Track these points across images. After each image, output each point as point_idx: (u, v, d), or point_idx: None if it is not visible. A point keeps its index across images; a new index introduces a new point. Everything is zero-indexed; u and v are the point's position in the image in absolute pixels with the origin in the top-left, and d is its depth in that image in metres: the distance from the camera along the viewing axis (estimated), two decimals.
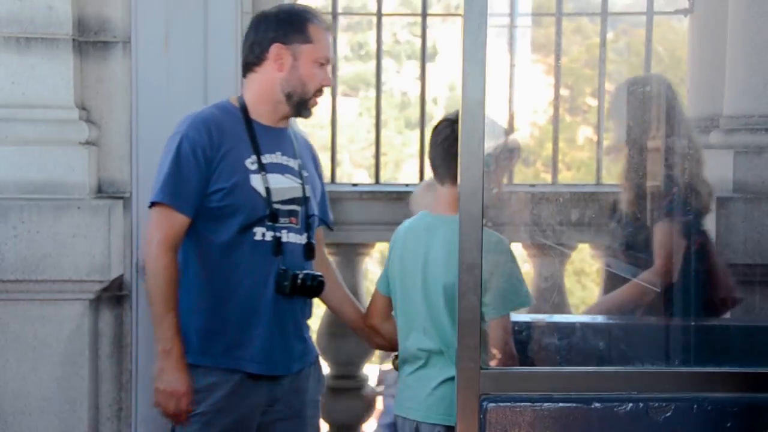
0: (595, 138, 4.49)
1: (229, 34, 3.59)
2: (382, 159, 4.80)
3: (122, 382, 3.24)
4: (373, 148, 4.75)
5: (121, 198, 3.20)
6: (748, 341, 2.78)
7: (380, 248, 5.27)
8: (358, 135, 18.24)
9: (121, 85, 3.21)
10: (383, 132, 4.97)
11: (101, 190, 3.21)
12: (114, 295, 3.21)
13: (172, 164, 2.70)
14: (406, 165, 17.78)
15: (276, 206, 2.75)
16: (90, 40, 3.17)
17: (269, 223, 2.74)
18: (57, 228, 2.96)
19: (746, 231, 3.37)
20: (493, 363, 2.48)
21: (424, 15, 4.58)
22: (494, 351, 2.58)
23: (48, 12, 3.07)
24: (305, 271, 2.77)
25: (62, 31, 3.08)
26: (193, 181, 2.70)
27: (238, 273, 2.74)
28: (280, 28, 2.79)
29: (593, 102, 4.67)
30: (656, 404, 2.04)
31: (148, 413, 3.30)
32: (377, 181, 4.62)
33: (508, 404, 2.05)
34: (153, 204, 2.71)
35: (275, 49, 2.79)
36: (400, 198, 4.31)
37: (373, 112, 4.67)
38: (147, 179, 3.27)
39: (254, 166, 2.75)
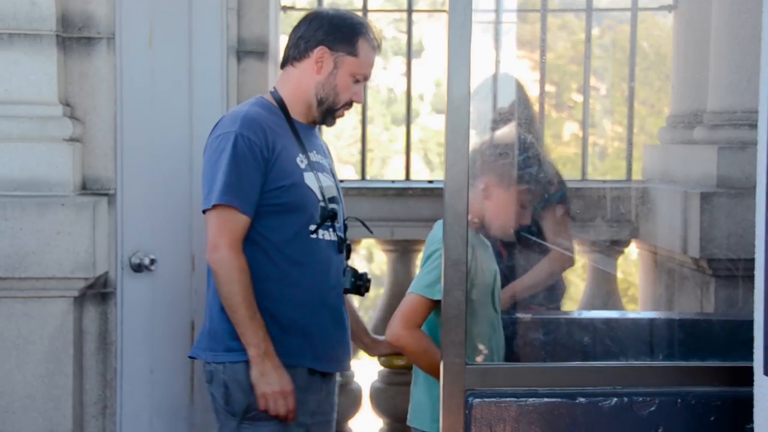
0: (581, 134, 4.50)
1: (214, 30, 3.58)
2: (369, 155, 4.80)
3: (107, 380, 3.23)
4: (359, 145, 4.75)
5: (106, 195, 3.19)
6: (732, 335, 2.79)
7: (366, 245, 5.27)
8: (344, 131, 18.21)
9: (106, 81, 3.19)
10: (369, 128, 4.96)
11: (85, 187, 3.19)
12: (99, 292, 3.20)
13: (230, 164, 2.62)
14: (392, 161, 17.79)
15: (331, 205, 2.75)
16: (74, 36, 3.16)
17: (329, 223, 2.74)
18: (41, 225, 2.95)
19: (729, 226, 3.38)
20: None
21: (410, 11, 4.58)
22: (394, 321, 2.63)
23: (31, 8, 3.05)
24: (362, 270, 2.82)
25: (46, 26, 3.07)
26: (253, 180, 2.63)
27: (299, 271, 2.70)
28: (331, 33, 2.75)
29: (579, 98, 4.68)
30: (640, 399, 2.05)
31: (132, 410, 3.29)
32: (363, 178, 4.62)
33: (493, 400, 2.05)
34: (214, 206, 2.63)
35: (320, 51, 2.75)
36: (386, 194, 4.32)
37: (360, 109, 4.66)
38: (132, 176, 3.27)
39: (304, 164, 2.72)
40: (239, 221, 2.63)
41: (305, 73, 2.77)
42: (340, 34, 2.75)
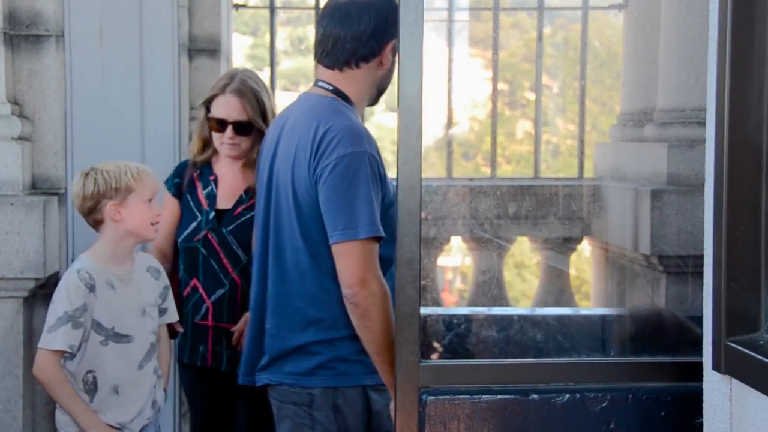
0: (533, 132, 4.53)
1: (165, 27, 3.55)
2: None
3: None
4: None
5: (56, 194, 3.15)
6: (681, 331, 2.83)
7: None
8: None
9: (55, 79, 3.15)
10: None
11: (35, 187, 3.15)
12: (49, 292, 3.14)
13: (367, 190, 2.39)
14: None
15: None
16: (22, 34, 3.11)
17: None
18: None
19: (679, 223, 3.42)
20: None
21: None
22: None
23: None
24: None
25: None
26: (378, 201, 2.44)
27: (391, 286, 2.42)
28: (394, 23, 2.47)
29: (532, 96, 4.72)
30: (592, 395, 2.07)
31: None
32: None
33: (447, 397, 2.05)
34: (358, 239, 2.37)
35: (390, 45, 2.53)
36: None
37: None
38: None
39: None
40: (377, 250, 2.41)
41: (371, 70, 2.55)
42: (396, 19, 2.34)
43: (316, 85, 2.60)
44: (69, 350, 2.60)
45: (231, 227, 3.03)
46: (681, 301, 3.47)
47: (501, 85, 4.39)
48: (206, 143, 3.09)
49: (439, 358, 2.76)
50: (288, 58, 19.27)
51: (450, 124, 4.37)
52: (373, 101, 2.68)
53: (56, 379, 2.61)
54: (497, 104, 4.44)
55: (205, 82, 3.95)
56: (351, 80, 2.55)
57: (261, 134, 2.96)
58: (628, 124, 4.16)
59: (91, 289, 2.63)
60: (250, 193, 3.03)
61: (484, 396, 2.06)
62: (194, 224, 3.05)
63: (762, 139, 1.67)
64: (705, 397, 1.82)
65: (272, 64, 4.56)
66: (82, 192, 2.67)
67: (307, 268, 2.46)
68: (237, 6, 4.59)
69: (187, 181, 3.10)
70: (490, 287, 4.17)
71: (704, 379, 1.81)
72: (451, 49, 4.26)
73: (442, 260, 5.55)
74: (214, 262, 3.03)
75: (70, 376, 2.64)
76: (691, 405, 1.97)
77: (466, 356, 2.83)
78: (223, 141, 3.02)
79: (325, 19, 2.58)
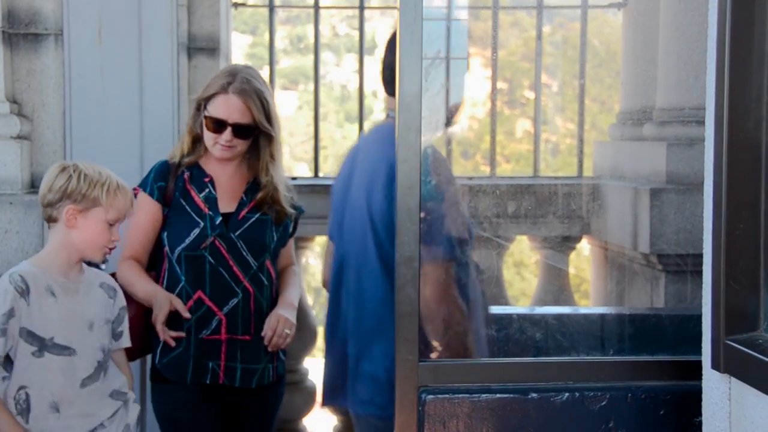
0: (533, 131, 4.52)
1: (164, 26, 3.55)
2: (323, 152, 4.79)
3: None
4: (312, 142, 4.74)
5: None
6: (680, 330, 2.83)
7: (320, 241, 5.26)
8: (297, 128, 18.16)
9: (54, 78, 3.15)
10: (323, 125, 4.96)
11: (34, 185, 3.15)
12: None
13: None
14: None
15: None
16: (20, 33, 3.11)
17: None
18: None
19: (678, 221, 3.42)
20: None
21: (362, 8, 4.57)
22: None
23: None
24: None
25: None
26: None
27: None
28: None
29: (531, 95, 4.71)
30: (591, 393, 2.07)
31: None
32: (317, 175, 4.61)
33: (446, 396, 2.05)
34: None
35: None
36: None
37: (313, 106, 4.65)
38: None
39: None
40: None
41: None
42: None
43: (387, 116, 2.70)
44: None
45: (239, 232, 2.86)
46: (680, 299, 3.47)
47: (500, 84, 4.38)
48: (196, 142, 2.92)
49: (438, 357, 2.76)
50: (287, 57, 19.28)
51: (449, 123, 4.37)
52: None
53: None
54: (496, 103, 4.44)
55: (204, 80, 3.94)
56: None
57: (266, 136, 2.88)
58: (627, 123, 4.16)
59: (22, 294, 2.41)
60: (249, 194, 2.91)
61: (483, 395, 2.06)
62: (197, 231, 2.83)
63: (761, 138, 1.67)
64: (704, 396, 1.82)
65: (271, 63, 4.55)
66: (51, 182, 2.51)
67: (385, 293, 2.52)
68: (236, 5, 4.59)
69: (176, 184, 2.88)
70: (489, 286, 4.17)
71: (703, 377, 1.81)
72: (449, 48, 4.25)
73: None
74: (224, 270, 2.84)
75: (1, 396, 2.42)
76: (690, 404, 1.97)
77: (466, 355, 2.83)
78: (218, 142, 2.84)
79: (386, 49, 2.70)
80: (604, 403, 2.07)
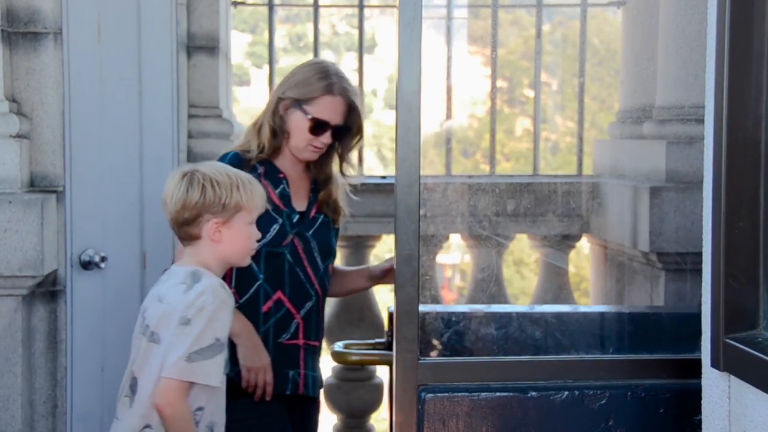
0: (532, 129, 4.53)
1: (164, 25, 3.55)
2: None
3: (57, 379, 3.19)
4: None
5: (54, 192, 3.14)
6: (680, 328, 2.83)
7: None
8: None
9: (53, 77, 3.15)
10: None
11: (33, 184, 3.15)
12: (48, 290, 3.15)
13: None
14: None
15: None
16: (19, 31, 3.11)
17: None
18: None
19: (678, 220, 3.42)
20: None
21: (361, 6, 4.57)
22: None
23: None
24: None
25: None
26: None
27: None
28: None
29: (531, 93, 4.71)
30: (591, 392, 2.07)
31: (83, 409, 3.26)
32: None
33: (446, 394, 2.05)
34: None
35: None
36: None
37: None
38: (81, 172, 3.23)
39: None
40: None
41: None
42: None
43: None
44: (220, 384, 2.27)
45: (311, 231, 2.78)
46: (680, 298, 3.47)
47: (500, 83, 4.38)
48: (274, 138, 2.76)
49: (438, 355, 2.76)
50: (287, 56, 19.28)
51: (449, 121, 4.37)
52: None
53: (187, 415, 2.25)
54: (496, 101, 4.44)
55: (203, 79, 3.95)
56: None
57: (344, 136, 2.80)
58: (626, 122, 4.16)
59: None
60: (314, 194, 2.83)
61: (482, 393, 2.06)
62: (276, 227, 2.70)
63: (760, 136, 1.67)
64: (704, 394, 1.82)
65: (271, 62, 4.55)
66: (184, 199, 2.28)
67: None
68: (235, 3, 4.59)
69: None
70: (489, 285, 4.17)
71: (703, 376, 1.81)
72: (449, 47, 4.25)
73: (441, 257, 5.55)
74: (300, 270, 2.74)
75: None
76: (690, 402, 1.97)
77: (465, 354, 2.83)
78: (312, 143, 2.73)
79: None
80: (603, 401, 2.07)
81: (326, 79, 2.73)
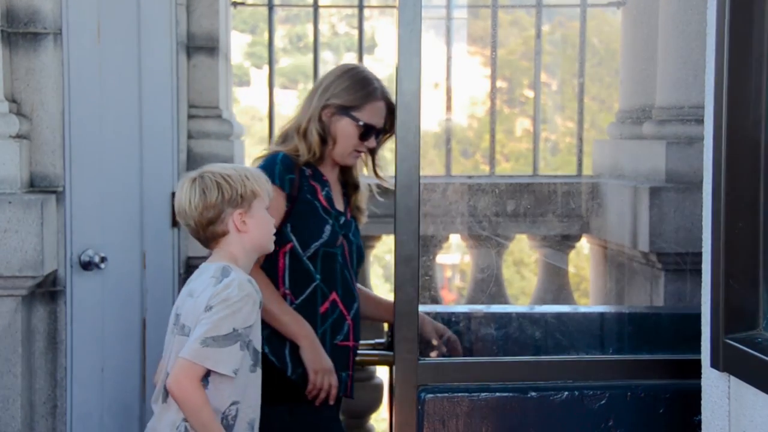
0: (532, 129, 4.53)
1: (163, 25, 3.55)
2: None
3: (57, 379, 3.18)
4: None
5: (54, 192, 3.14)
6: (680, 329, 2.83)
7: None
8: None
9: (53, 77, 3.14)
10: None
11: (33, 185, 3.14)
12: (48, 290, 3.15)
13: None
14: None
15: None
16: (19, 32, 3.11)
17: None
18: None
19: (678, 220, 3.42)
20: None
21: (361, 7, 4.57)
22: None
23: None
24: None
25: None
26: None
27: None
28: None
29: (531, 94, 4.71)
30: (591, 392, 2.07)
31: (83, 410, 3.26)
32: None
33: (446, 395, 2.05)
34: None
35: None
36: None
37: None
38: (81, 173, 3.23)
39: None
40: None
41: None
42: None
43: None
44: (233, 374, 2.26)
45: (351, 233, 2.81)
46: (679, 298, 3.47)
47: (500, 83, 4.38)
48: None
49: (437, 356, 2.76)
50: (287, 56, 19.28)
51: (449, 122, 4.38)
52: None
53: (199, 398, 2.26)
54: (496, 102, 4.44)
55: (204, 80, 3.95)
56: None
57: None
58: (626, 122, 4.16)
59: (260, 304, 2.33)
60: (347, 197, 2.86)
61: (482, 394, 2.06)
62: (329, 228, 2.72)
63: (760, 137, 1.67)
64: (703, 395, 1.82)
65: (271, 62, 4.55)
66: (203, 201, 2.33)
67: None
68: (235, 3, 4.59)
69: (302, 179, 2.74)
70: (488, 285, 4.17)
71: (703, 376, 1.81)
72: (449, 47, 4.25)
73: (441, 258, 5.55)
74: (347, 271, 2.75)
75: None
76: (690, 402, 1.97)
77: (465, 354, 2.83)
78: (357, 149, 2.77)
79: None
80: (603, 401, 2.07)
81: (370, 84, 2.77)
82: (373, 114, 2.76)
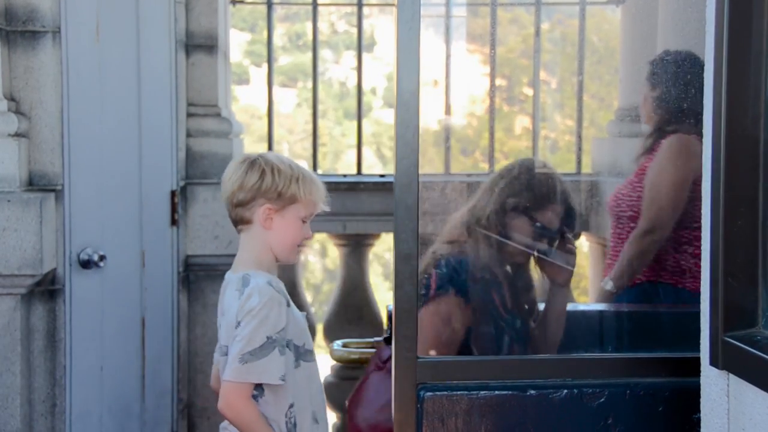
0: (531, 127, 4.53)
1: (162, 23, 3.55)
2: (322, 149, 4.80)
3: (56, 378, 3.19)
4: (311, 139, 4.74)
5: (53, 190, 3.14)
6: (679, 326, 2.83)
7: (319, 239, 5.26)
8: (296, 126, 18.15)
9: (51, 75, 3.15)
10: (322, 123, 4.96)
11: (32, 183, 3.15)
12: (47, 289, 3.15)
13: None
14: (346, 155, 17.77)
15: None
16: (18, 30, 3.11)
17: None
18: None
19: None
20: None
21: (360, 5, 4.57)
22: None
23: None
24: None
25: None
26: None
27: None
28: None
29: (530, 92, 4.71)
30: (590, 390, 2.07)
31: (82, 409, 3.26)
32: (315, 172, 4.61)
33: (445, 393, 2.05)
34: None
35: None
36: (337, 189, 4.31)
37: (312, 103, 4.65)
38: (79, 171, 3.23)
39: None
40: None
41: None
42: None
43: None
44: (281, 381, 2.27)
45: None
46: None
47: (499, 81, 4.38)
48: None
49: (436, 354, 2.76)
50: (286, 54, 19.28)
51: (448, 120, 4.37)
52: None
53: (251, 414, 2.26)
54: (495, 100, 4.44)
55: (203, 78, 3.95)
56: None
57: None
58: (625, 120, 4.16)
59: (288, 303, 2.31)
60: None
61: (481, 392, 2.06)
62: None
63: (759, 135, 1.67)
64: (702, 393, 1.82)
65: (270, 61, 4.55)
66: (243, 180, 2.32)
67: None
68: (234, 2, 4.58)
69: None
70: None
71: (702, 374, 1.81)
72: (448, 45, 4.25)
73: None
74: None
75: (269, 421, 2.30)
76: (689, 400, 1.97)
77: (464, 352, 2.83)
78: None
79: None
80: (602, 399, 2.07)
81: None
82: None
